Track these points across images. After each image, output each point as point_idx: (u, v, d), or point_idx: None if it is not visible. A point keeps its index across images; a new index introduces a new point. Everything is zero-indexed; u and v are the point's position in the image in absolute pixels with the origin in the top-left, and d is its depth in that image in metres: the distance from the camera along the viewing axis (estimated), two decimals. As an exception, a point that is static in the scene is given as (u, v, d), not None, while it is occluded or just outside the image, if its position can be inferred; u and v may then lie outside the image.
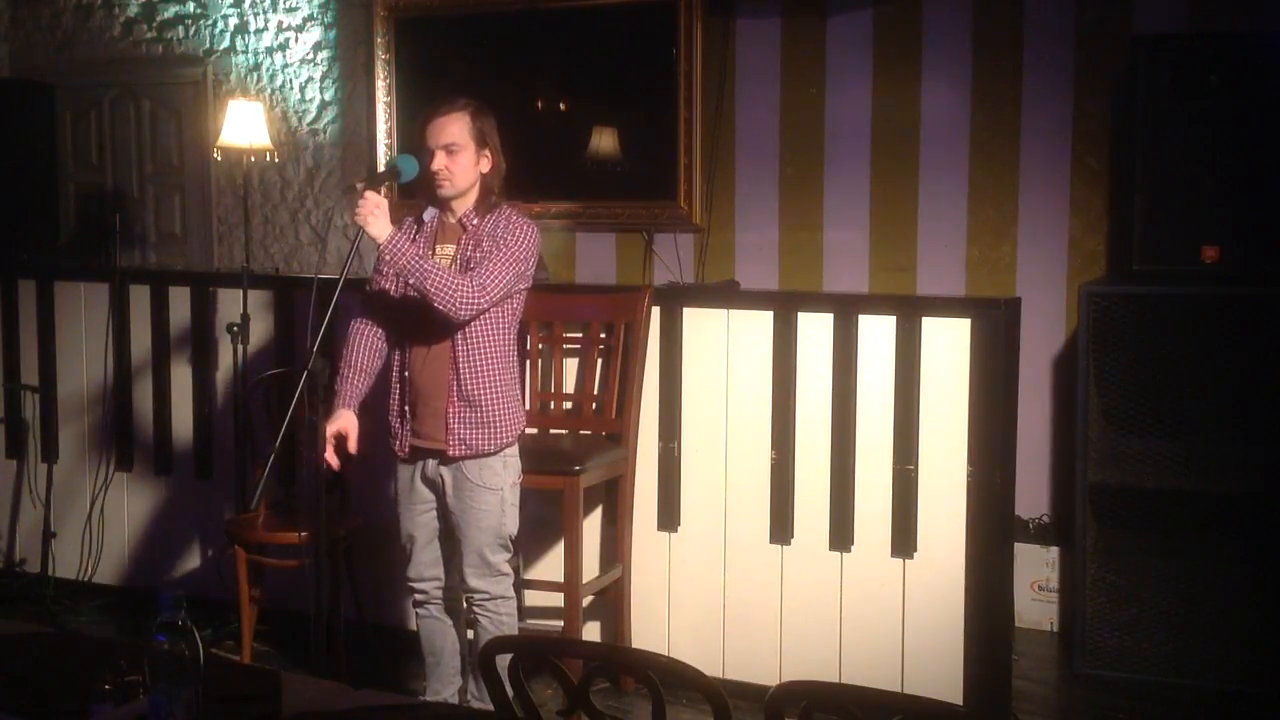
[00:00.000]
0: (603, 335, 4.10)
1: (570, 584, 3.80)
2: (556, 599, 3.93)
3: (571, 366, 4.21)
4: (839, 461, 3.91)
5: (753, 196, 5.33)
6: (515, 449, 3.49)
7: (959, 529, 3.78)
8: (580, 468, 3.77)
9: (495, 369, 3.39)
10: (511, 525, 3.48)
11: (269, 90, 6.18)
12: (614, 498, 4.09)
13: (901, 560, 3.86)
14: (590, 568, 4.08)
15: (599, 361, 4.13)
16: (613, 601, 4.10)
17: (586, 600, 3.98)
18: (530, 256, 3.41)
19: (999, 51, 4.92)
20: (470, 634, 3.61)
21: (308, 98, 6.14)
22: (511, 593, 3.53)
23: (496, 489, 3.43)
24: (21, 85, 6.21)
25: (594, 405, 4.11)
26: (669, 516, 4.12)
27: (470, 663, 3.65)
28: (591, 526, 4.17)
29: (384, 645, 4.39)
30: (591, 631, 4.18)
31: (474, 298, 3.26)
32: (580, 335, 4.17)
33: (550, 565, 4.16)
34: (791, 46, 5.24)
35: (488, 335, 3.37)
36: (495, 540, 3.44)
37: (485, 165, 3.43)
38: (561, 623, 3.89)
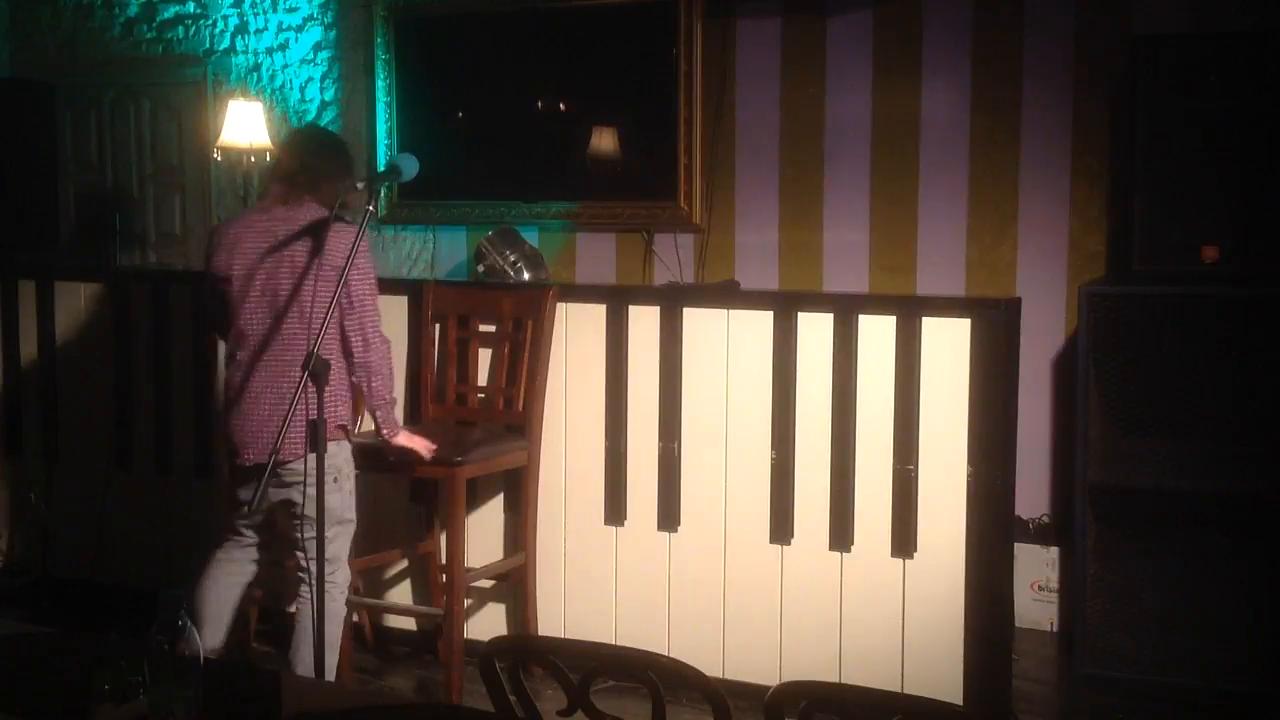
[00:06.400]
0: (511, 331, 4.18)
1: (452, 568, 3.89)
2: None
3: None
4: (839, 461, 3.91)
5: (753, 196, 5.33)
6: None
7: (959, 529, 3.79)
8: (461, 459, 3.80)
9: None
10: None
11: (269, 90, 6.18)
12: (517, 487, 4.14)
13: (901, 560, 3.86)
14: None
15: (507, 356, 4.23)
16: (516, 587, 4.20)
17: (487, 583, 4.22)
18: None
19: (999, 51, 4.92)
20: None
21: (308, 98, 6.13)
22: None
23: None
24: (21, 85, 6.21)
25: (503, 399, 4.20)
26: (669, 516, 4.12)
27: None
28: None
29: (384, 645, 4.39)
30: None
31: None
32: (494, 330, 4.25)
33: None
34: (791, 46, 5.23)
35: None
36: None
37: None
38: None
